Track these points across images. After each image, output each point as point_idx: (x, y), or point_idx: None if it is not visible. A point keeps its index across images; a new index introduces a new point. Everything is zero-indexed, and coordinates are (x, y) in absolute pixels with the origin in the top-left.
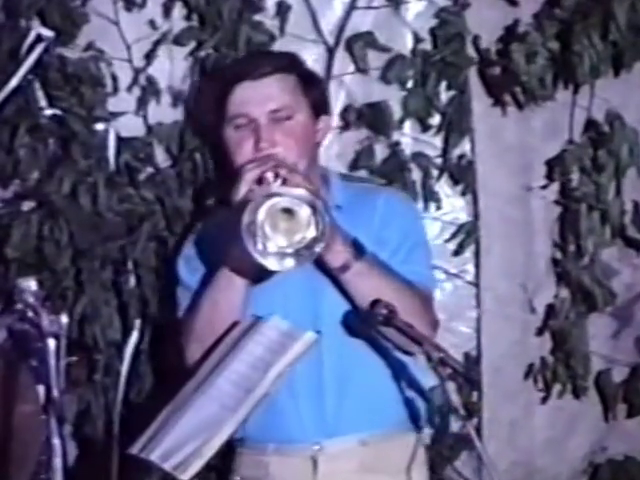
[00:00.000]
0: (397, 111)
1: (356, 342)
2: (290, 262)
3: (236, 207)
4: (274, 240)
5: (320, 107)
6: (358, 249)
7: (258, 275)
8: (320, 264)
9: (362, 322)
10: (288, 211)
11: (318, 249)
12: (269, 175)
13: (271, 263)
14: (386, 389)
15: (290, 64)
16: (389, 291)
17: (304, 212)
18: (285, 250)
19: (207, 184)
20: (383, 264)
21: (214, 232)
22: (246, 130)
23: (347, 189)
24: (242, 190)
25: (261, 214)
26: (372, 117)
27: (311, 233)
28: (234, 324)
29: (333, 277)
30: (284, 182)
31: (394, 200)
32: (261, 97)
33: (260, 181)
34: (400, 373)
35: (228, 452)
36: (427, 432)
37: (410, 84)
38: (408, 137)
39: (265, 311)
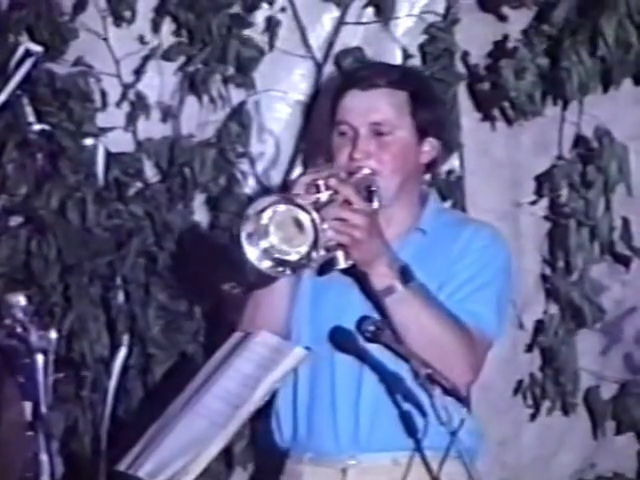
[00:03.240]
0: None
1: (397, 363)
2: (267, 264)
3: None
4: (270, 238)
5: (428, 129)
6: (406, 275)
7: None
8: (365, 285)
9: (347, 339)
10: (298, 224)
11: (287, 272)
12: (321, 182)
13: (252, 254)
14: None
15: (403, 80)
16: (430, 323)
17: (310, 236)
18: (273, 253)
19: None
20: (430, 295)
21: None
22: (347, 138)
23: (441, 216)
24: (295, 190)
25: (266, 216)
26: None
27: (304, 249)
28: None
29: (377, 300)
30: (334, 192)
31: (480, 234)
32: (365, 108)
33: (316, 187)
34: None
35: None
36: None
37: None
38: None
39: (318, 321)
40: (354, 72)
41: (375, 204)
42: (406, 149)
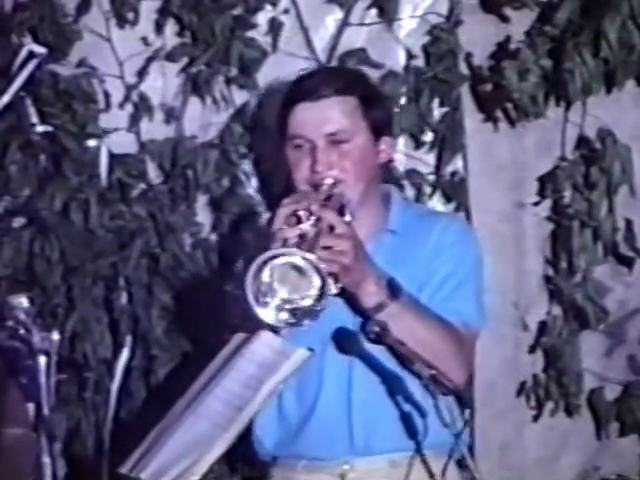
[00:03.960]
0: None
1: (387, 363)
2: (284, 315)
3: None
4: (278, 294)
5: (381, 128)
6: (394, 289)
7: None
8: (355, 304)
9: (352, 341)
10: (299, 269)
11: (307, 321)
12: (302, 213)
13: (268, 315)
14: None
15: (351, 85)
16: (423, 332)
17: (315, 278)
18: (284, 305)
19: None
20: (419, 305)
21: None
22: (304, 151)
23: (407, 213)
24: (277, 224)
25: (265, 274)
26: None
27: (307, 302)
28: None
29: (368, 317)
30: (317, 220)
31: (451, 228)
32: (319, 120)
33: (297, 219)
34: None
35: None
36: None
37: (403, 101)
38: (401, 154)
39: (312, 334)
40: (299, 83)
41: (347, 217)
42: (365, 153)
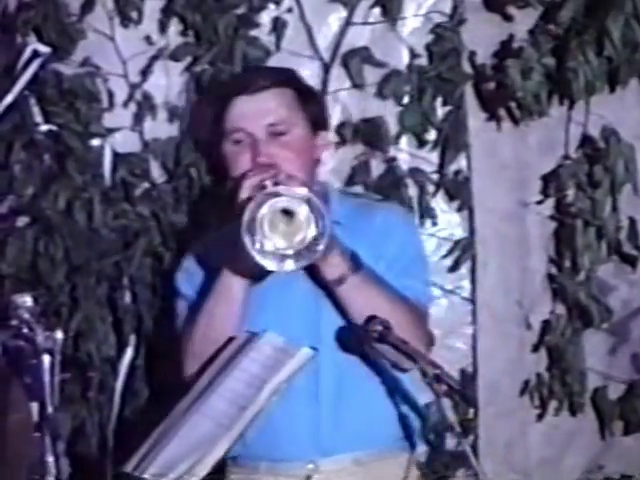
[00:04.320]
0: (393, 127)
1: (353, 359)
2: (290, 264)
3: (237, 215)
4: (273, 240)
5: (318, 123)
6: (355, 262)
7: (256, 279)
8: (316, 277)
9: (356, 339)
10: (287, 213)
11: (319, 248)
12: (269, 182)
13: (269, 264)
14: (381, 407)
15: (287, 79)
16: (384, 305)
17: (303, 212)
18: (285, 252)
19: (202, 200)
20: (379, 278)
21: (214, 248)
22: (244, 145)
23: (346, 205)
24: (243, 197)
25: (261, 212)
26: (368, 133)
27: (311, 232)
28: (229, 340)
29: (329, 290)
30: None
31: (393, 215)
32: (258, 112)
33: (261, 188)
34: (395, 390)
35: (216, 472)
36: (421, 450)
37: (406, 100)
38: (404, 153)
39: (262, 326)
40: (235, 80)
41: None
42: (305, 145)
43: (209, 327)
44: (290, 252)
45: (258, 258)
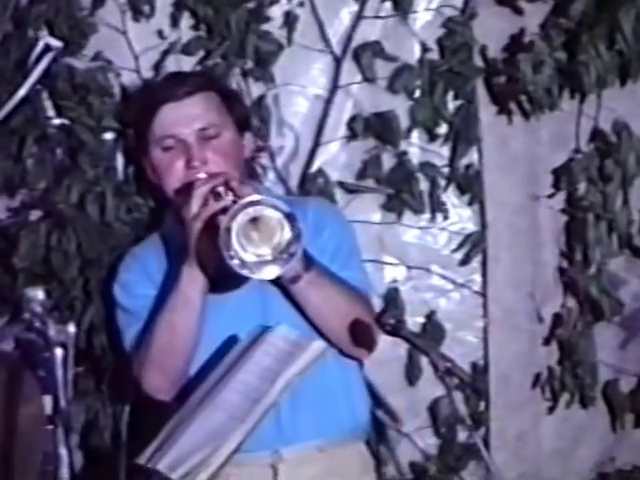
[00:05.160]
0: (404, 121)
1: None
2: (274, 269)
3: (190, 224)
4: (252, 250)
5: (244, 124)
6: (307, 260)
7: (214, 287)
8: (274, 280)
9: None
10: (254, 220)
11: (295, 250)
12: (221, 189)
13: (257, 274)
14: (338, 396)
15: (210, 82)
16: (339, 298)
17: (274, 217)
18: (265, 258)
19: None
20: (331, 272)
21: (152, 255)
22: (176, 151)
23: None
24: (195, 206)
25: (236, 225)
26: (379, 127)
27: (287, 234)
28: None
29: (283, 289)
30: (235, 195)
31: (321, 209)
32: (187, 117)
33: (216, 195)
34: (350, 380)
35: None
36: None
37: (417, 94)
38: (415, 147)
39: (217, 326)
40: (159, 87)
41: None
42: (235, 147)
43: (172, 336)
44: (269, 257)
45: (246, 272)
